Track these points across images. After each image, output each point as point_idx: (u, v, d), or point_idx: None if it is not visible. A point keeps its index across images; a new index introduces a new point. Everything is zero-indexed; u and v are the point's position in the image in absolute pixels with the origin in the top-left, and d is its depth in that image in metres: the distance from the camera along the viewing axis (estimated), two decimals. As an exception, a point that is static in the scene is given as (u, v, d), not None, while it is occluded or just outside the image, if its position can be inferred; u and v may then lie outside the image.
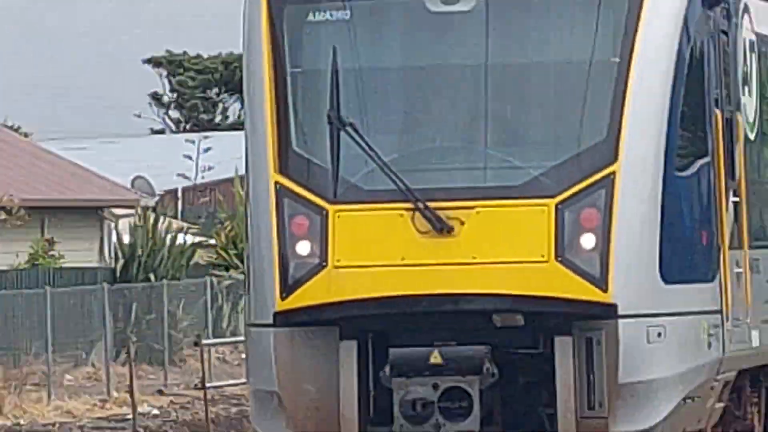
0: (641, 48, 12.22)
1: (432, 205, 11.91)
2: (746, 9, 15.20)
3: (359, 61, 13.12)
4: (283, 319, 12.52)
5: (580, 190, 11.81)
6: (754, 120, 15.41)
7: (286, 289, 12.58)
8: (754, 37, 15.56)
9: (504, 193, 11.93)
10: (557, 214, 11.78)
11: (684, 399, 12.48)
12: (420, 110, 13.12)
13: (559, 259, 11.62)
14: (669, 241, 12.25)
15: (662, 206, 12.14)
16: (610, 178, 11.82)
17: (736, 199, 14.09)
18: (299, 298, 12.44)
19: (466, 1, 12.90)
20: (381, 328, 12.73)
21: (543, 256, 11.73)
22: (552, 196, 11.75)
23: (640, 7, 12.41)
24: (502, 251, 11.89)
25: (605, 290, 11.55)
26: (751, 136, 15.19)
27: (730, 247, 13.84)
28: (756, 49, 15.67)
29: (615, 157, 11.85)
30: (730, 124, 13.96)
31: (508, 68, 12.94)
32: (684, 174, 12.72)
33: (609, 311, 11.58)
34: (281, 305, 12.49)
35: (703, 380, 13.02)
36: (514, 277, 11.88)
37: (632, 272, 11.92)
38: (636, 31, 12.34)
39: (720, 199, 13.45)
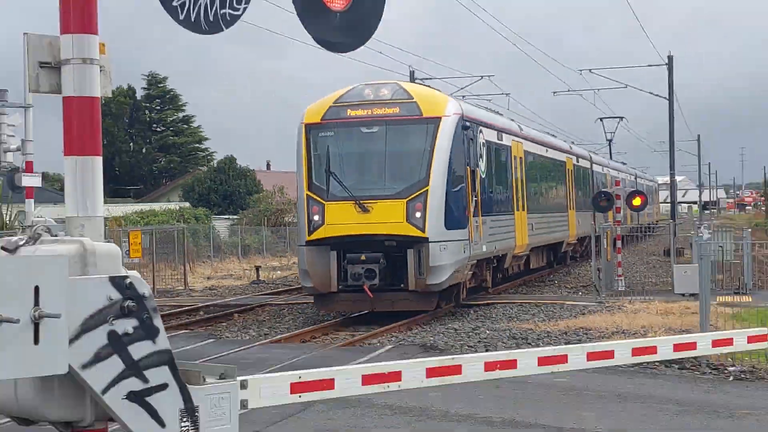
0: (437, 145, 25.36)
1: (362, 202, 25.26)
2: (481, 130, 29.00)
3: (337, 150, 26.54)
4: (309, 243, 25.91)
5: (415, 197, 25.08)
6: (485, 169, 29.04)
7: (309, 232, 25.94)
8: (485, 141, 29.23)
9: (388, 197, 25.36)
10: (407, 205, 25.06)
11: (454, 271, 25.47)
12: (359, 169, 26.99)
13: (408, 221, 24.97)
14: (448, 215, 25.15)
15: (445, 202, 25.09)
16: (426, 192, 25.07)
17: (477, 199, 27.43)
18: (314, 236, 25.65)
19: (377, 128, 26.05)
20: (344, 246, 25.43)
21: (401, 220, 25.06)
22: (405, 198, 25.20)
23: (437, 131, 25.37)
24: (387, 218, 25.13)
25: (424, 232, 24.85)
26: (483, 176, 28.79)
27: (474, 216, 27.04)
28: (486, 146, 29.37)
29: (428, 184, 25.15)
30: (474, 172, 27.42)
31: (392, 153, 26.09)
32: (454, 190, 25.57)
33: (425, 240, 24.91)
34: (308, 238, 26.06)
35: (462, 264, 26.11)
36: (391, 228, 25.08)
37: (434, 226, 24.76)
38: (436, 138, 25.42)
39: (469, 199, 26.65)
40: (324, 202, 24.24)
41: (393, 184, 24.14)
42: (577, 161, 44.06)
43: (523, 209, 32.44)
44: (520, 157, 32.57)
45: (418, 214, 23.30)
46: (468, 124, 25.66)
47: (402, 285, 23.64)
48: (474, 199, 25.90)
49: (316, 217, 24.25)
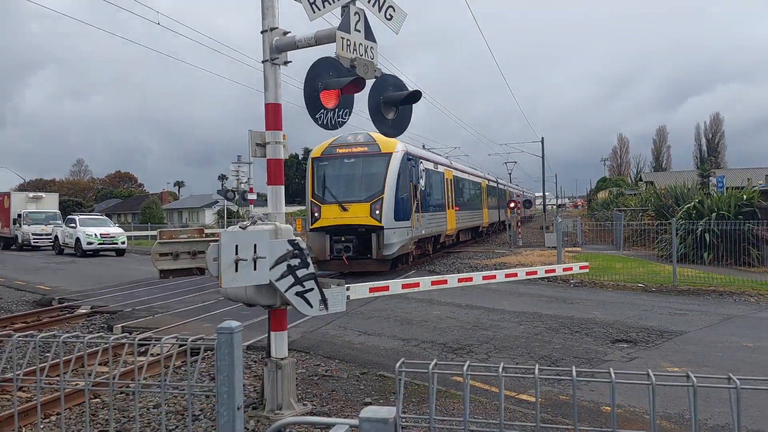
0: (389, 169, 18.72)
1: (343, 204, 18.59)
2: (421, 162, 21.45)
3: (330, 172, 19.44)
4: (312, 230, 18.96)
5: (375, 201, 18.29)
6: (424, 185, 21.52)
7: (312, 223, 18.98)
8: (424, 168, 21.64)
9: (359, 201, 18.48)
10: (370, 206, 18.28)
11: (401, 246, 18.78)
12: (342, 184, 19.25)
13: (370, 216, 18.21)
14: (396, 212, 18.49)
15: (394, 204, 18.43)
16: (382, 198, 18.29)
17: (417, 202, 20.31)
18: (315, 225, 18.88)
19: (354, 159, 19.39)
20: (332, 232, 18.67)
21: (367, 215, 18.22)
22: (369, 202, 18.37)
23: (390, 161, 18.83)
24: (358, 214, 18.30)
25: (380, 223, 18.12)
26: (423, 188, 21.30)
27: (415, 212, 19.96)
28: (425, 171, 21.76)
29: (383, 193, 18.36)
30: (416, 186, 20.28)
31: (362, 174, 18.99)
32: (401, 196, 18.82)
33: (381, 228, 18.13)
34: (311, 227, 19.01)
35: (407, 242, 19.23)
36: (361, 220, 18.26)
37: (387, 219, 18.21)
38: (388, 165, 18.80)
39: (411, 202, 19.58)
40: (321, 204, 18.95)
41: (362, 193, 18.77)
42: (489, 182, 39.17)
43: (452, 208, 26.41)
44: (450, 179, 26.56)
45: (377, 212, 18.33)
46: (411, 157, 20.06)
47: (369, 255, 18.67)
48: (416, 202, 20.15)
49: (316, 214, 18.94)
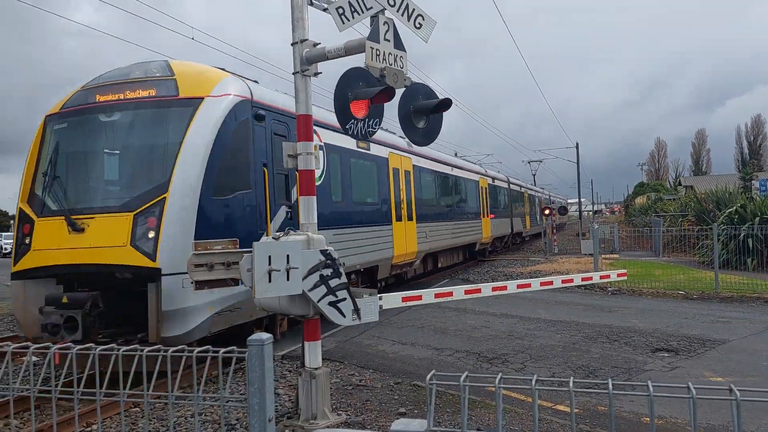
0: (189, 133, 8.28)
1: (75, 217, 8.20)
2: (315, 131, 8.00)
3: (66, 147, 9.03)
4: (15, 275, 8.59)
5: (148, 207, 7.99)
6: (320, 176, 11.14)
7: (15, 260, 8.48)
8: (323, 144, 11.49)
9: (111, 210, 8.13)
10: (134, 220, 7.95)
11: (216, 313, 8.23)
12: (84, 172, 8.82)
13: (132, 244, 7.82)
14: (205, 233, 7.99)
15: (198, 214, 8.12)
16: (163, 200, 7.98)
17: (289, 210, 9.88)
18: (19, 266, 8.51)
19: (118, 116, 8.86)
20: (59, 280, 8.48)
21: (124, 243, 7.83)
22: (133, 211, 7.96)
23: (195, 114, 8.44)
24: (106, 240, 7.96)
25: (154, 261, 7.69)
26: (319, 183, 10.47)
27: (284, 229, 7.55)
28: (327, 149, 11.55)
29: (167, 190, 7.98)
30: (288, 177, 9.97)
31: (128, 149, 8.70)
32: (222, 198, 8.55)
33: (156, 272, 7.67)
34: (13, 269, 8.59)
35: (233, 303, 8.55)
36: (109, 255, 7.84)
37: (173, 250, 7.79)
38: (190, 123, 8.35)
39: (267, 213, 9.35)
40: (35, 218, 8.57)
41: (121, 192, 8.43)
42: (493, 181, 28.81)
43: (410, 219, 16.34)
44: (407, 171, 16.39)
45: (150, 234, 7.89)
46: (263, 113, 9.40)
47: (140, 336, 8.00)
48: (287, 211, 9.92)
49: (27, 240, 8.54)
